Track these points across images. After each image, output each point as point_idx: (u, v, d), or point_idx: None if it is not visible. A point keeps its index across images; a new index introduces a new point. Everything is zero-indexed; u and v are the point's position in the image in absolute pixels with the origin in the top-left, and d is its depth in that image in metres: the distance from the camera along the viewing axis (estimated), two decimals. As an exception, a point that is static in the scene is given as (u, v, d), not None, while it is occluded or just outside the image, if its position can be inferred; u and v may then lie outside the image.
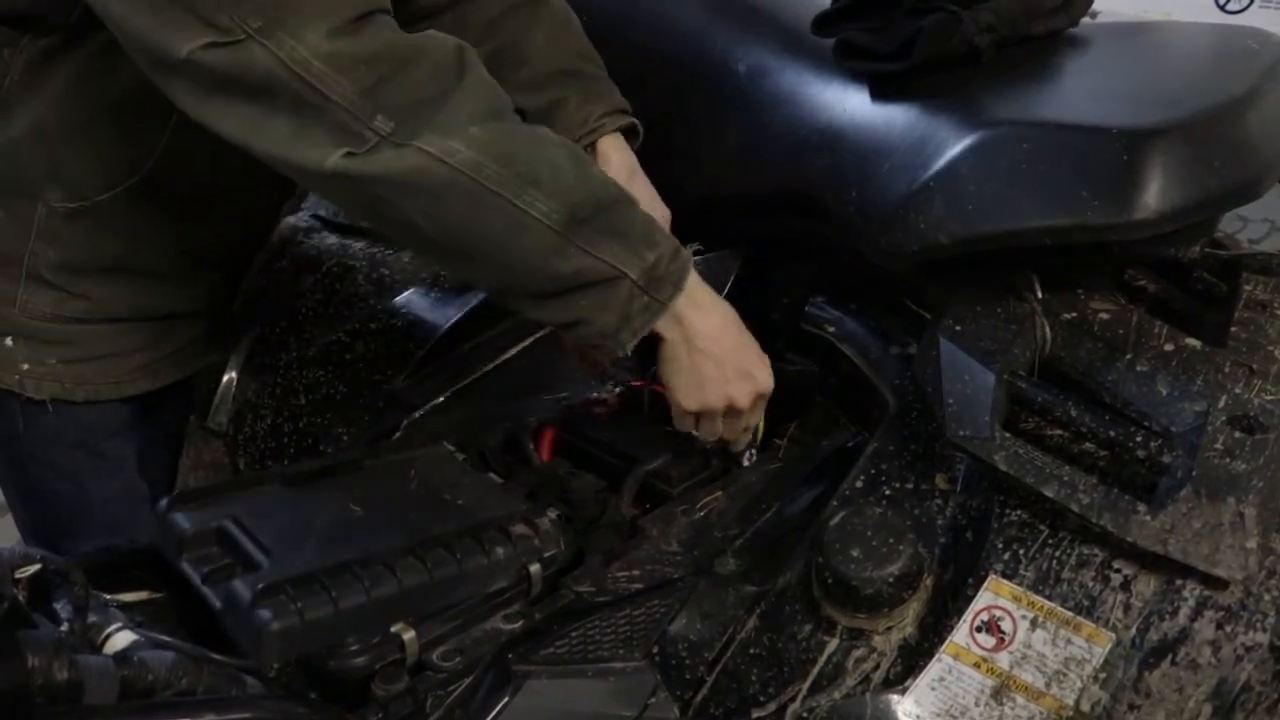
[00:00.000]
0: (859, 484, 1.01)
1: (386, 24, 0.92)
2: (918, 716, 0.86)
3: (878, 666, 0.89)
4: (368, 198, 0.93)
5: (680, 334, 1.02)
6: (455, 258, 1.00)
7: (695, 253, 1.23)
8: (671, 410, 1.12)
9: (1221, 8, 2.26)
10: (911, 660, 0.89)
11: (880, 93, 1.12)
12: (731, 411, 1.08)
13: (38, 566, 0.83)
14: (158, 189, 1.16)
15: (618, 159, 1.20)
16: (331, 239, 1.56)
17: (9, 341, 1.21)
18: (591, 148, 1.20)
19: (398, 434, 1.30)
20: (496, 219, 0.93)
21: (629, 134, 1.25)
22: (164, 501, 0.97)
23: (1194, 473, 0.87)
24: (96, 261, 1.18)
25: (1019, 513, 0.93)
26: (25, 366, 1.22)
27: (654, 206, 1.21)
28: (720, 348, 1.04)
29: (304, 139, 0.90)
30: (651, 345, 1.05)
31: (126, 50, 0.94)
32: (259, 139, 0.92)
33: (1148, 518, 0.86)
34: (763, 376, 1.06)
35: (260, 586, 0.84)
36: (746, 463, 1.15)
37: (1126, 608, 0.86)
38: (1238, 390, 0.94)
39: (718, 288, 1.30)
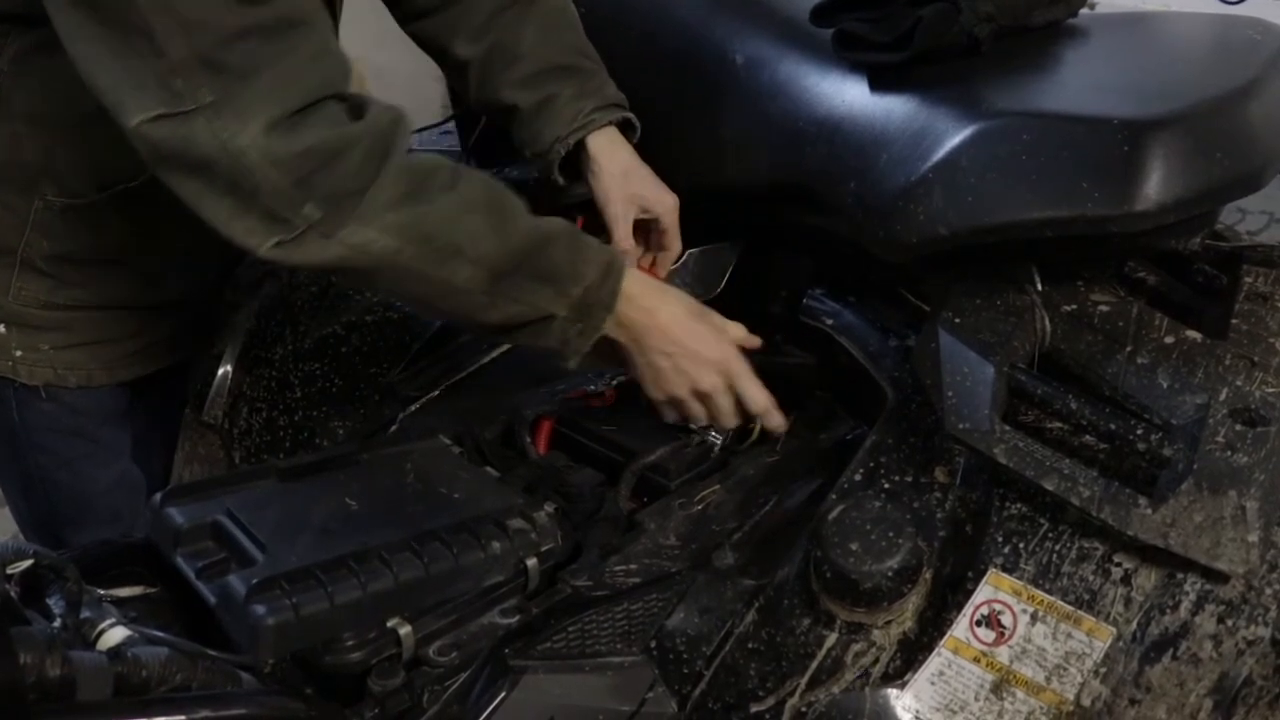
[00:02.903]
0: (858, 477, 1.01)
1: (330, 113, 0.93)
2: (917, 711, 0.85)
3: (877, 661, 0.89)
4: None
5: (628, 336, 1.07)
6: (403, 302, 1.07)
7: (695, 242, 1.24)
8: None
9: (1220, -2, 2.25)
10: (911, 655, 0.88)
11: (879, 84, 1.11)
12: (701, 396, 1.10)
13: (30, 562, 0.83)
14: (154, 193, 1.16)
15: (607, 156, 1.22)
16: (327, 231, 1.56)
17: (1, 329, 1.21)
18: (582, 144, 1.21)
19: (393, 427, 1.29)
20: (423, 288, 1.01)
21: (626, 128, 1.25)
22: (158, 496, 0.97)
23: (1195, 466, 0.86)
24: (90, 254, 1.18)
25: (1019, 506, 0.92)
26: (18, 353, 1.23)
27: (661, 194, 1.23)
28: (670, 342, 1.07)
29: (240, 221, 0.93)
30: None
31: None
32: (206, 212, 0.94)
33: (1148, 511, 0.85)
34: (724, 359, 1.09)
35: (255, 581, 0.84)
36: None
37: (1127, 602, 0.86)
38: (1239, 383, 0.94)
39: (715, 280, 1.30)
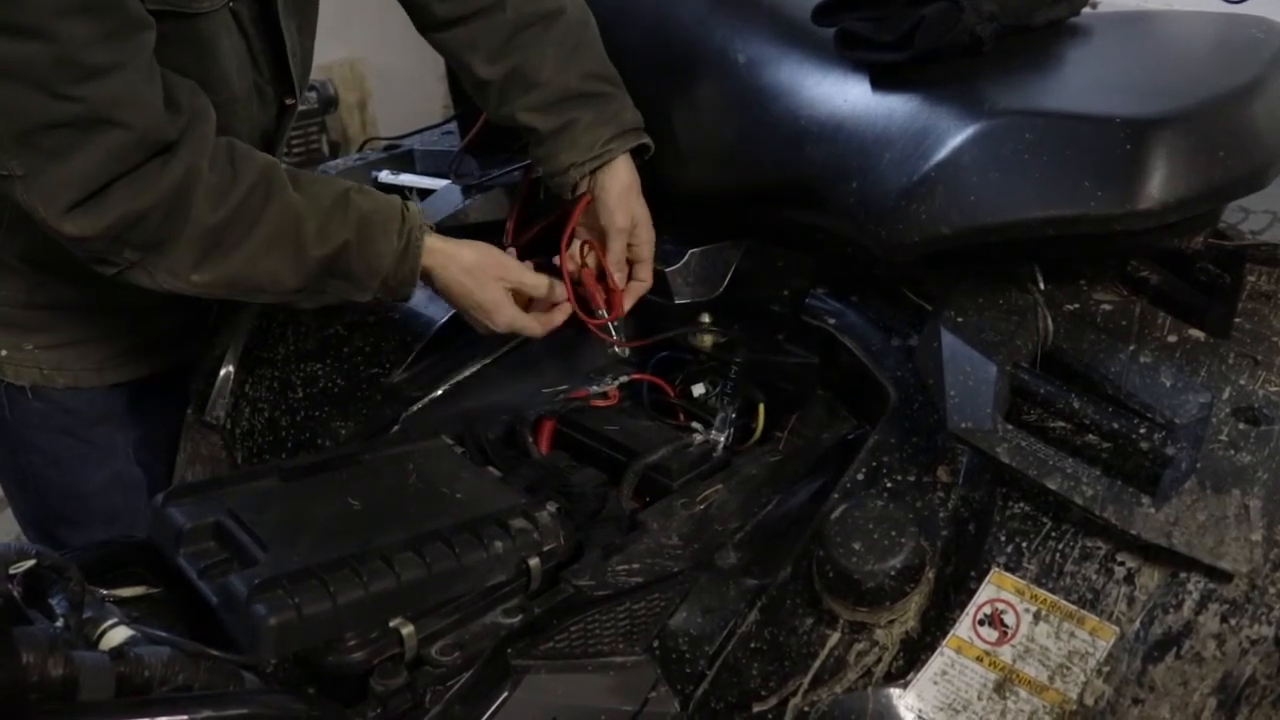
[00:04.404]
0: (860, 477, 1.01)
1: (132, 186, 1.00)
2: (920, 711, 0.85)
3: (879, 660, 0.89)
4: None
5: (433, 283, 1.21)
6: None
7: (697, 242, 1.24)
8: None
9: (1223, -3, 2.25)
10: (913, 654, 0.88)
11: (881, 83, 1.11)
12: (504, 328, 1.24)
13: (33, 562, 0.83)
14: None
15: (613, 180, 1.26)
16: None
17: None
18: (593, 174, 1.26)
19: (395, 427, 1.29)
20: (244, 300, 1.19)
21: (640, 150, 1.28)
22: (160, 496, 0.97)
23: (1198, 465, 0.86)
24: (66, 253, 1.19)
25: (1022, 505, 0.92)
26: (4, 352, 1.25)
27: (647, 222, 1.27)
28: (456, 296, 1.22)
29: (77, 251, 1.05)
30: None
31: None
32: None
33: (1151, 510, 0.85)
34: (498, 320, 1.22)
35: (257, 582, 0.84)
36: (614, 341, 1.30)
37: (1130, 601, 0.85)
38: (1242, 381, 0.93)
39: (717, 279, 1.30)
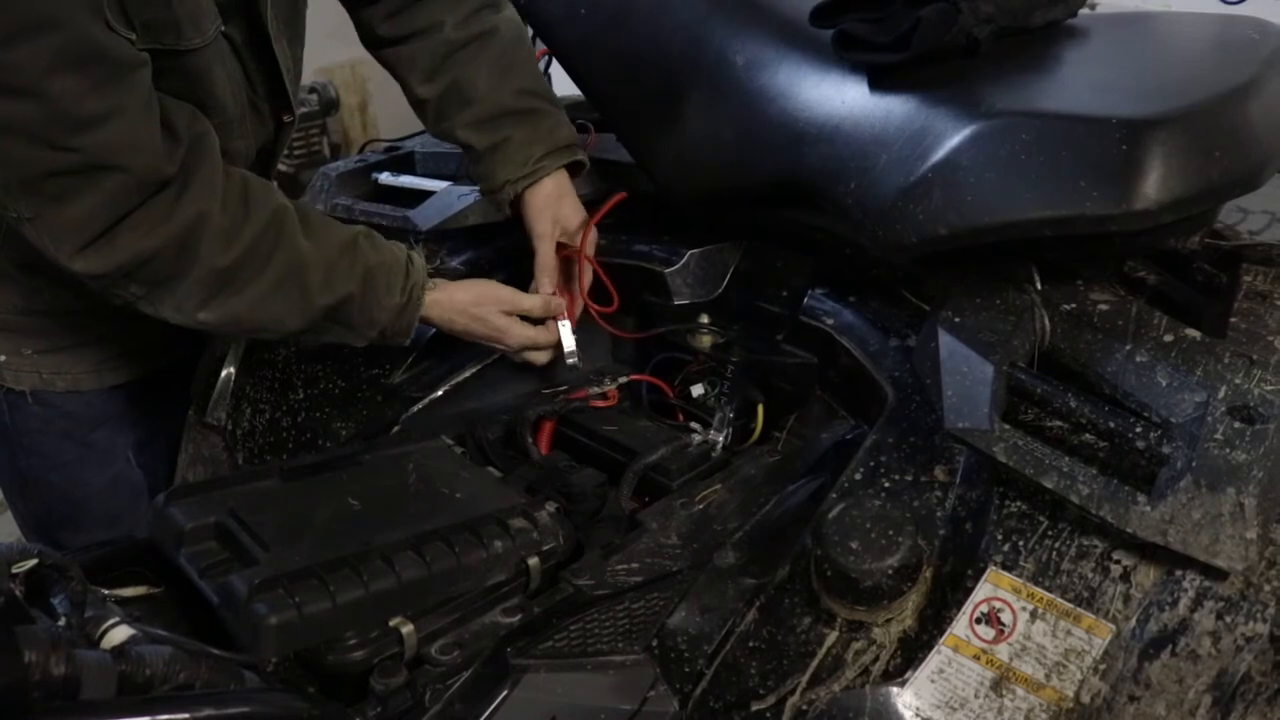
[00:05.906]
0: (858, 476, 1.01)
1: (140, 224, 1.02)
2: (917, 709, 0.85)
3: (877, 659, 0.89)
4: None
5: (435, 326, 1.27)
6: None
7: (696, 243, 1.25)
8: None
9: (1221, -2, 2.25)
10: (911, 652, 0.88)
11: (879, 84, 1.12)
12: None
13: (35, 562, 0.83)
14: None
15: (543, 196, 1.31)
16: (329, 233, 1.56)
17: None
18: (527, 189, 1.31)
19: (396, 428, 1.30)
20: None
21: (576, 166, 1.34)
22: (161, 496, 0.97)
23: (1194, 463, 0.87)
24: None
25: (1018, 504, 0.93)
26: (3, 358, 1.26)
27: (574, 216, 1.33)
28: (463, 334, 1.27)
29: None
30: None
31: None
32: None
33: (1147, 508, 0.85)
34: (511, 342, 1.28)
35: (258, 581, 0.84)
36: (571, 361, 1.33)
37: (1126, 599, 0.86)
38: (1237, 380, 0.94)
39: (716, 280, 1.31)
